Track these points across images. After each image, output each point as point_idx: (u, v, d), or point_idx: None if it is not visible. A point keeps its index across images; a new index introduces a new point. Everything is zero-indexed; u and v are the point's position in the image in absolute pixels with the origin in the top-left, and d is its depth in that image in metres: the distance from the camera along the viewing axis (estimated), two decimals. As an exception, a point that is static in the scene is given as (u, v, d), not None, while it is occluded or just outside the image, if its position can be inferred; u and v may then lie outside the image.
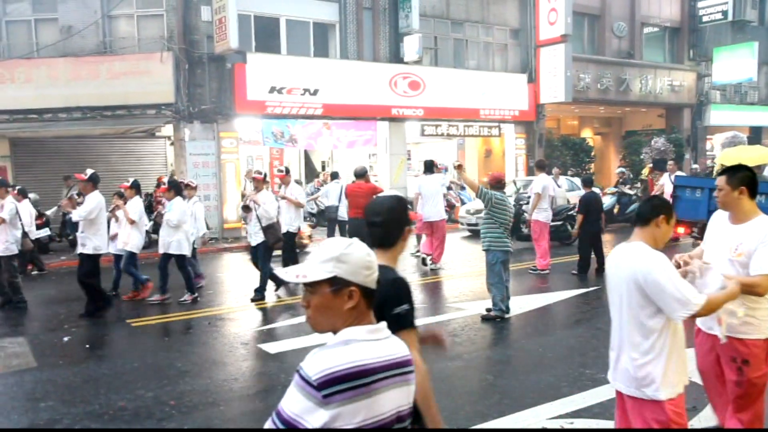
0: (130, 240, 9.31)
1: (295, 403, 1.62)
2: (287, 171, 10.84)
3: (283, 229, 10.25)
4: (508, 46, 21.11)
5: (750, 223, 3.50)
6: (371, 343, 1.71)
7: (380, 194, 2.84)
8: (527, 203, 12.64)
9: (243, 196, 16.32)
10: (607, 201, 15.74)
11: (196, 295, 9.32)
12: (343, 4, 17.65)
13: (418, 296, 9.66)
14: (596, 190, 12.40)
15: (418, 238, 12.56)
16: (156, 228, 14.75)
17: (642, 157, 18.80)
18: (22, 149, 15.96)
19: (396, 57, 18.37)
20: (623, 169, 18.56)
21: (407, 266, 11.91)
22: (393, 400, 1.71)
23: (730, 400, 3.67)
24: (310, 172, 22.21)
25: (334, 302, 1.74)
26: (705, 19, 24.86)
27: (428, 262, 11.55)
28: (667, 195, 13.52)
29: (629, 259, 3.05)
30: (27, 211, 10.32)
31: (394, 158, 18.50)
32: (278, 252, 10.24)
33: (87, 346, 7.32)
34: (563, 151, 21.62)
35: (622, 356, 3.12)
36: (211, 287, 10.52)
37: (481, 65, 20.54)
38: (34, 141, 15.83)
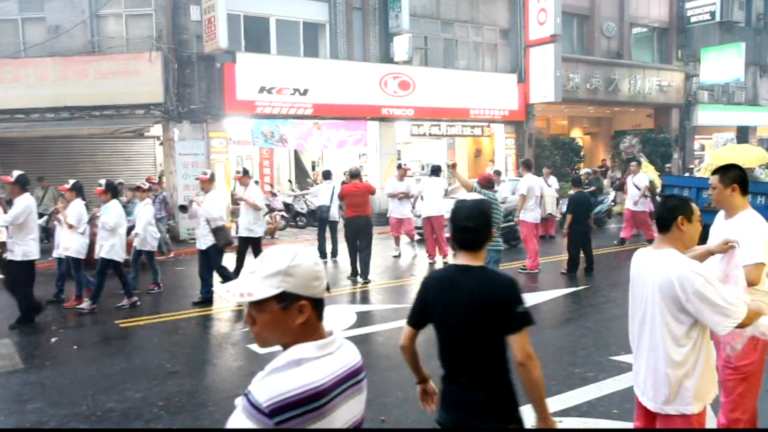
0: (71, 245, 8.80)
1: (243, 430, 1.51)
2: (245, 172, 10.51)
3: (242, 233, 10.06)
4: (497, 46, 21.17)
5: (737, 216, 3.65)
6: (323, 359, 1.61)
7: (465, 199, 2.83)
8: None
9: (233, 196, 16.29)
10: None
11: (135, 299, 8.95)
12: (333, 4, 17.64)
13: (410, 296, 9.66)
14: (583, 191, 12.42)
15: (397, 240, 13.07)
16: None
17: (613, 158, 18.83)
18: (9, 149, 15.81)
19: (386, 57, 18.38)
20: (589, 170, 18.50)
21: (397, 265, 11.93)
22: (348, 412, 1.65)
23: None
24: (301, 172, 22.18)
25: (284, 318, 1.62)
26: (693, 19, 25.06)
27: (431, 260, 11.83)
28: (632, 198, 13.49)
29: (664, 269, 2.84)
30: None
31: (385, 158, 18.52)
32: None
33: (74, 347, 7.28)
34: (553, 150, 21.71)
35: (651, 368, 2.97)
36: (199, 288, 10.46)
37: (471, 65, 20.58)
38: (21, 141, 15.70)
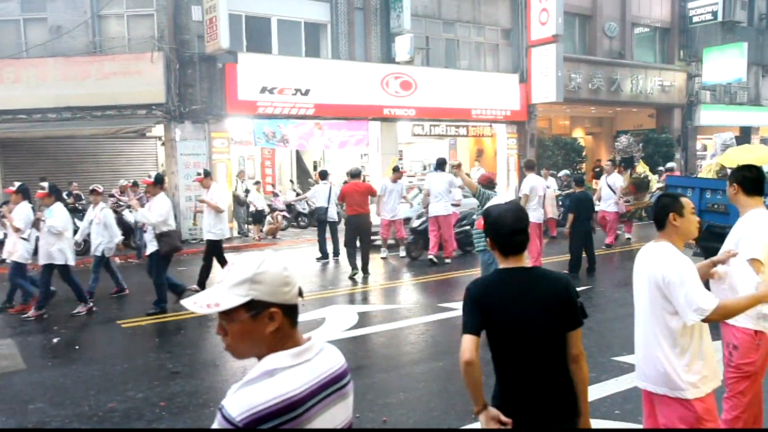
0: (16, 249, 8.61)
1: None
2: (207, 174, 10.21)
3: (205, 236, 9.93)
4: (499, 46, 21.16)
5: (745, 215, 3.75)
6: (298, 368, 1.56)
7: (498, 204, 2.81)
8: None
9: (235, 196, 16.31)
10: None
11: (91, 305, 8.75)
12: (335, 4, 17.64)
13: (410, 296, 9.66)
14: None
15: (385, 241, 12.80)
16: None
17: (608, 161, 18.50)
18: (11, 150, 15.84)
19: (387, 57, 18.38)
20: (567, 172, 18.32)
21: (397, 266, 11.92)
22: (331, 419, 1.61)
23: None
24: (302, 173, 22.18)
25: (255, 327, 1.56)
26: (695, 19, 25.01)
27: (435, 260, 11.76)
28: (605, 199, 13.07)
29: (652, 260, 3.09)
30: None
31: (386, 158, 18.50)
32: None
33: (76, 347, 7.28)
34: (555, 150, 21.69)
35: (649, 355, 3.13)
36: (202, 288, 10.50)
37: (472, 65, 20.57)
38: (23, 141, 15.71)
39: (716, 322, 3.10)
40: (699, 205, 9.95)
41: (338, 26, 17.75)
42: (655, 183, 15.03)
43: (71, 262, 8.62)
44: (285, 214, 17.09)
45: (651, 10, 24.94)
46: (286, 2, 17.13)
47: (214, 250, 9.88)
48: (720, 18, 24.48)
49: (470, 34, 20.54)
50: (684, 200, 3.15)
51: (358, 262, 10.77)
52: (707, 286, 3.33)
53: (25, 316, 8.51)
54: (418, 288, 10.22)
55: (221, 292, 1.57)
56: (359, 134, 18.18)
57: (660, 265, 3.02)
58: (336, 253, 12.75)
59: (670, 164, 19.74)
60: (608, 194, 13.18)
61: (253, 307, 1.56)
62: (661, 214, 3.14)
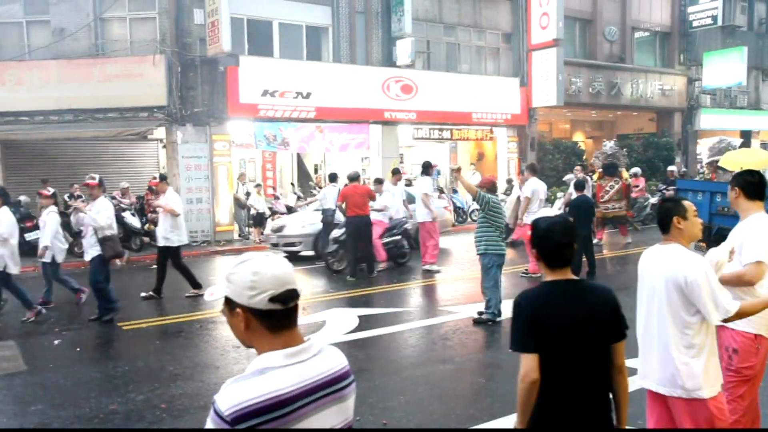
0: None
1: None
2: (162, 178, 9.97)
3: (159, 242, 9.67)
4: (500, 50, 21.21)
5: (746, 219, 3.78)
6: (290, 368, 1.60)
7: (546, 216, 2.79)
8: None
9: (236, 199, 16.34)
10: None
11: (37, 309, 8.50)
12: (336, 8, 17.69)
13: (410, 299, 9.68)
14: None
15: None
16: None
17: (593, 161, 18.20)
18: (13, 152, 15.88)
19: (388, 60, 18.42)
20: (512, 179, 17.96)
21: (399, 270, 11.94)
22: (323, 421, 1.63)
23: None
24: (303, 176, 22.19)
25: (233, 321, 1.66)
26: (695, 24, 25.06)
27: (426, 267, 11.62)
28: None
29: (669, 262, 3.12)
30: None
31: (387, 161, 18.52)
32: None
33: (77, 349, 7.29)
34: (555, 154, 21.71)
35: (662, 357, 3.14)
36: (203, 290, 10.51)
37: (473, 69, 20.61)
38: (25, 144, 15.76)
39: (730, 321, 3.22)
40: (709, 208, 9.95)
41: (339, 30, 17.80)
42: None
43: (12, 270, 8.30)
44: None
45: (651, 14, 24.99)
46: (287, 6, 17.18)
47: (172, 257, 9.61)
48: (720, 22, 24.54)
49: (471, 38, 20.59)
50: (686, 203, 3.23)
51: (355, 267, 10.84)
52: None
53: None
54: (420, 291, 10.24)
55: (220, 281, 1.69)
56: (360, 137, 18.22)
57: (681, 266, 3.06)
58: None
59: (671, 167, 19.76)
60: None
61: (228, 302, 1.66)
62: (665, 218, 3.21)
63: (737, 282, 3.54)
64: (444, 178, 22.73)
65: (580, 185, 11.61)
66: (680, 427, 3.15)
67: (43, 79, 14.91)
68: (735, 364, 3.67)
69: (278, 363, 1.60)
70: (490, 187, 8.20)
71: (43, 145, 15.89)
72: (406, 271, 11.85)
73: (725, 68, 24.86)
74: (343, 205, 11.18)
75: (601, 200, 13.97)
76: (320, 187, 16.64)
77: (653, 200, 17.58)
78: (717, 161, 13.76)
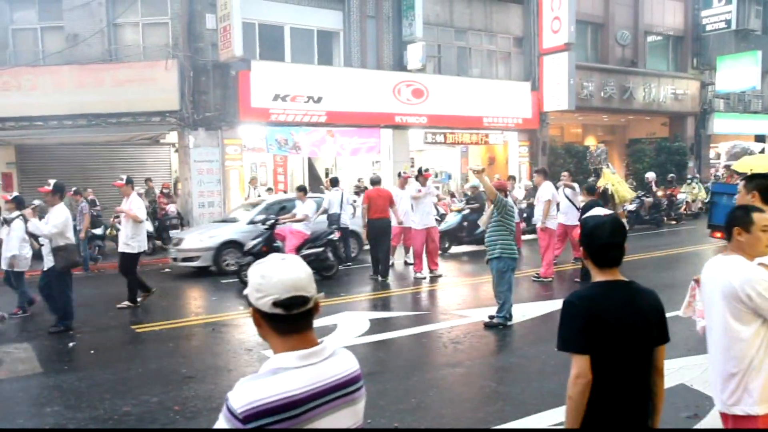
0: None
1: None
2: (129, 181, 9.53)
3: (120, 248, 9.40)
4: (511, 54, 21.19)
5: None
6: (303, 370, 1.62)
7: (595, 215, 2.71)
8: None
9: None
10: (452, 220, 14.47)
11: (4, 315, 8.49)
12: (347, 13, 17.76)
13: (421, 303, 9.68)
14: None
15: (406, 249, 12.74)
16: (158, 232, 14.83)
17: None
18: (28, 156, 16.05)
19: (399, 65, 18.46)
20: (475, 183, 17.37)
21: (404, 274, 11.94)
22: (333, 423, 1.64)
23: None
24: (314, 180, 22.25)
25: (253, 319, 1.71)
26: (708, 27, 24.93)
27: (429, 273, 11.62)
28: (566, 213, 11.38)
29: (725, 273, 2.97)
30: None
31: (398, 165, 18.54)
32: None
33: (92, 351, 7.35)
34: (567, 159, 21.65)
35: (719, 369, 3.03)
36: (215, 293, 10.58)
37: (484, 73, 20.60)
38: (39, 148, 15.92)
39: None
40: None
41: (350, 34, 17.86)
42: (628, 195, 14.11)
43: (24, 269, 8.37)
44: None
45: (664, 18, 24.88)
46: (299, 10, 17.27)
47: (131, 264, 9.34)
48: (734, 26, 24.40)
49: (482, 42, 20.59)
50: (756, 216, 3.02)
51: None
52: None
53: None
54: (431, 294, 10.24)
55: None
56: (371, 141, 18.26)
57: (741, 279, 2.87)
58: (348, 259, 12.86)
59: (649, 173, 19.73)
60: (567, 206, 11.63)
61: (248, 301, 1.70)
62: (728, 227, 3.06)
63: None
64: (455, 182, 22.73)
65: (591, 189, 11.54)
66: None
67: (57, 85, 15.06)
68: None
69: (292, 364, 1.62)
70: (502, 190, 8.25)
71: (57, 149, 16.04)
72: (410, 275, 11.85)
73: (739, 72, 24.69)
74: (366, 207, 11.24)
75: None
76: (327, 191, 16.65)
77: (631, 207, 16.89)
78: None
